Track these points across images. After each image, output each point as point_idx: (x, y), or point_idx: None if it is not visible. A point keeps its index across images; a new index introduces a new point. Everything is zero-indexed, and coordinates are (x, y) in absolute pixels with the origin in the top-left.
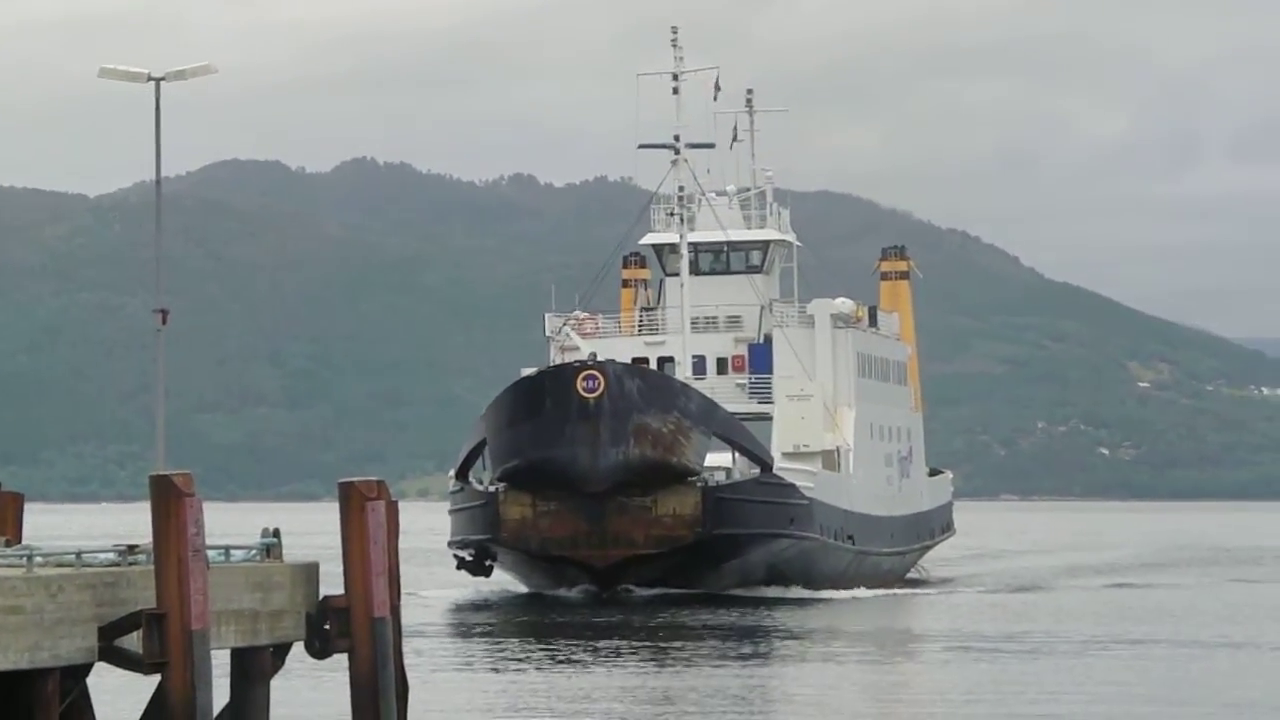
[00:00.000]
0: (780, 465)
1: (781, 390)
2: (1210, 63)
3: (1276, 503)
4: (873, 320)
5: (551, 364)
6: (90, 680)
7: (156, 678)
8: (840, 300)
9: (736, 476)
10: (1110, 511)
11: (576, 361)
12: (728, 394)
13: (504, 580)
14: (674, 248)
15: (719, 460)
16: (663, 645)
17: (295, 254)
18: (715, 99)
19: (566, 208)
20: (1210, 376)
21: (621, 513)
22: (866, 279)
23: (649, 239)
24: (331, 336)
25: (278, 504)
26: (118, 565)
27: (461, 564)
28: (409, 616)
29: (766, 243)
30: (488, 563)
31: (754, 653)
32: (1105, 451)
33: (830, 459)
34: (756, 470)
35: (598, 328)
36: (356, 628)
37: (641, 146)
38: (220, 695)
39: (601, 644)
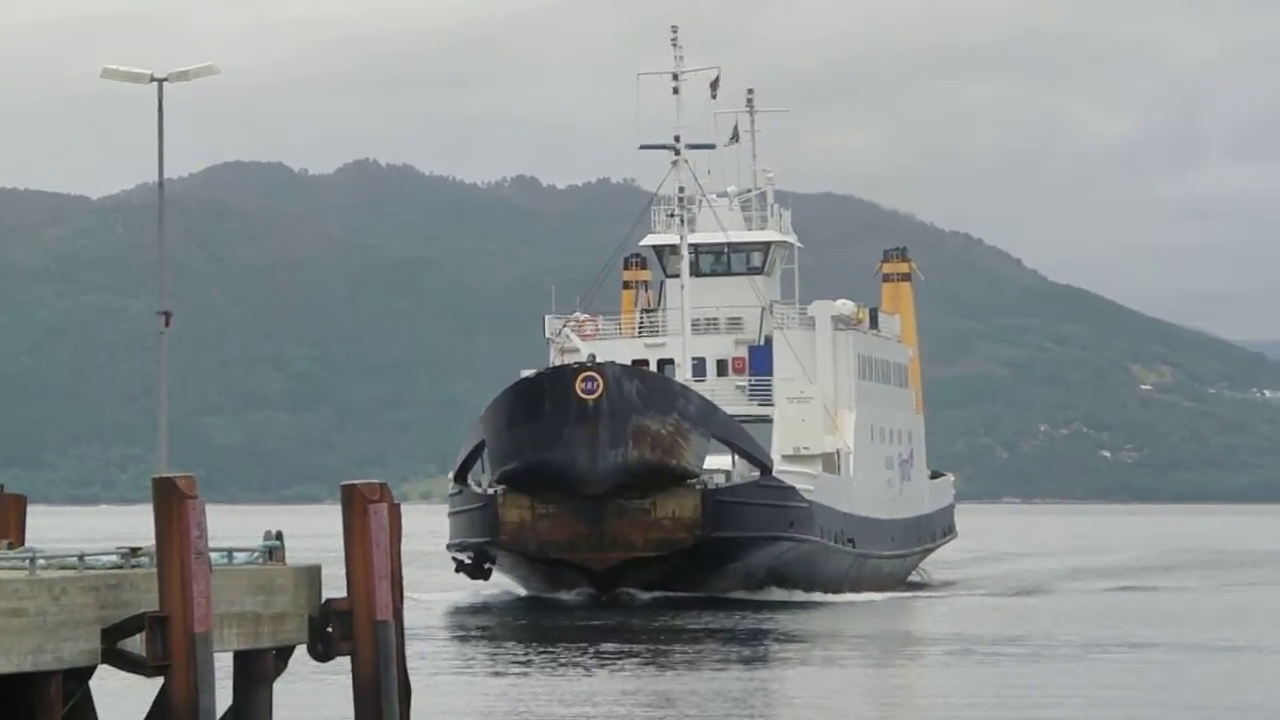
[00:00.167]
0: (780, 468)
1: (782, 392)
2: (1213, 63)
3: (1278, 506)
4: (874, 322)
5: (550, 366)
6: (93, 683)
7: (159, 680)
8: (841, 302)
9: (736, 479)
10: (1112, 514)
11: (575, 363)
12: (727, 396)
13: (503, 583)
14: (674, 249)
15: (718, 463)
16: (663, 648)
17: (297, 256)
18: (714, 98)
19: (569, 209)
20: (1213, 379)
21: (620, 515)
22: (868, 281)
23: (649, 240)
24: (333, 339)
25: (280, 507)
26: (120, 568)
27: (460, 567)
28: (409, 619)
29: (767, 244)
30: (486, 566)
31: (755, 656)
32: (1107, 454)
33: (830, 461)
34: (756, 473)
35: (598, 329)
36: (359, 631)
37: (643, 148)
38: (223, 698)
39: (602, 647)
